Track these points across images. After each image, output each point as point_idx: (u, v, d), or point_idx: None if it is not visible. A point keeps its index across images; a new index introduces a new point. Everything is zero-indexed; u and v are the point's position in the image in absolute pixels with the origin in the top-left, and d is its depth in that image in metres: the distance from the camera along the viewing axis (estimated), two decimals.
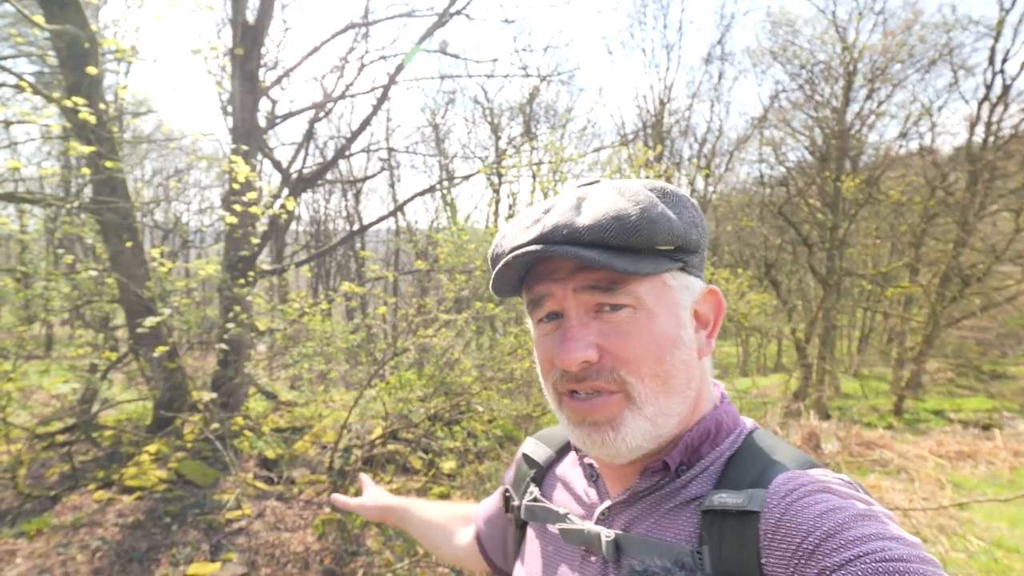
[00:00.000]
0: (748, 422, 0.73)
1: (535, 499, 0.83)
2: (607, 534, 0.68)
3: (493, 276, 0.69)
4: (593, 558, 0.71)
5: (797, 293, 17.06)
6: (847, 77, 14.09)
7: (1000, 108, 12.53)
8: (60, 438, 5.55)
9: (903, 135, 15.14)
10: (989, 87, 12.53)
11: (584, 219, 0.63)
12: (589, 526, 0.72)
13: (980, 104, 12.75)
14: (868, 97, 14.39)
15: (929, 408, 12.50)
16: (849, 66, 14.02)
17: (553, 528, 0.78)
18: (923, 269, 14.10)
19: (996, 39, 12.23)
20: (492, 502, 1.01)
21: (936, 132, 16.93)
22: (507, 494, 0.91)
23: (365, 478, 1.30)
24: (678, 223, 0.65)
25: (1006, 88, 12.42)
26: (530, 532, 0.84)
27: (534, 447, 0.92)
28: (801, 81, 15.40)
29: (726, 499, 0.60)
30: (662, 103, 18.70)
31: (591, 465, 0.79)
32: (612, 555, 0.67)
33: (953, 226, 12.57)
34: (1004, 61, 12.33)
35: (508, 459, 5.63)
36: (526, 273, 0.71)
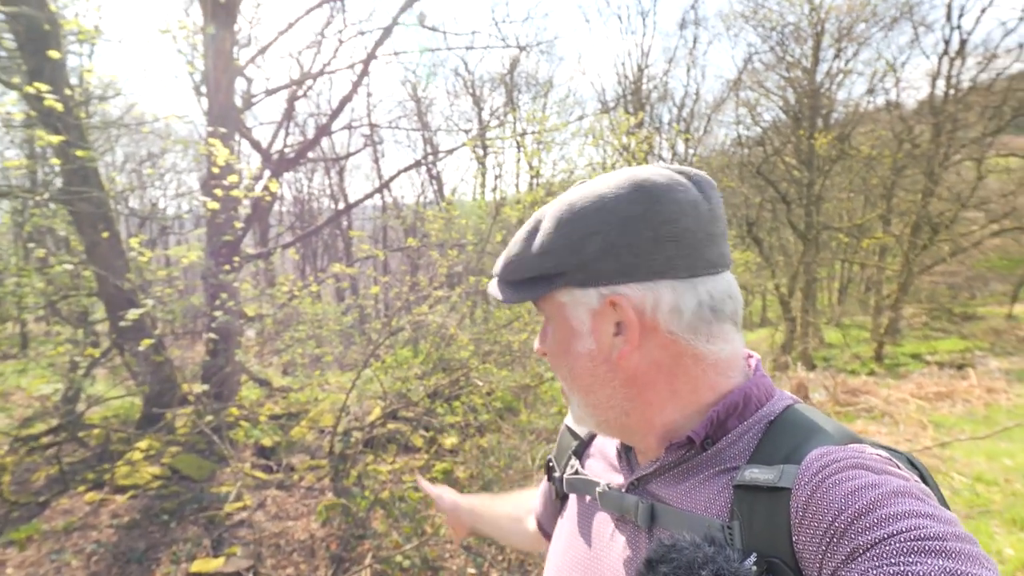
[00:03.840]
0: (786, 395, 0.72)
1: (575, 472, 0.86)
2: (644, 502, 0.70)
3: None
4: (626, 525, 0.72)
5: (778, 249, 17.56)
6: (815, 37, 14.60)
7: (958, 62, 13.24)
8: (44, 440, 5.36)
9: (870, 91, 15.93)
10: (947, 42, 13.23)
11: (500, 259, 0.77)
12: (626, 494, 0.74)
13: (940, 58, 13.46)
14: (836, 56, 15.00)
15: (907, 352, 13.13)
16: (817, 27, 14.53)
17: (590, 498, 0.81)
18: (895, 219, 14.80)
19: None
20: (543, 486, 1.06)
21: (900, 87, 18.17)
22: (550, 464, 0.94)
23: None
24: (543, 251, 0.70)
25: (963, 42, 13.07)
26: (570, 501, 0.87)
27: None
28: (772, 43, 15.86)
29: (758, 474, 0.60)
30: (640, 69, 18.77)
31: None
32: (646, 523, 0.69)
33: (921, 177, 13.28)
34: (960, 16, 13.04)
35: (509, 431, 5.58)
36: None
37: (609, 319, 0.69)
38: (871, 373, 11.05)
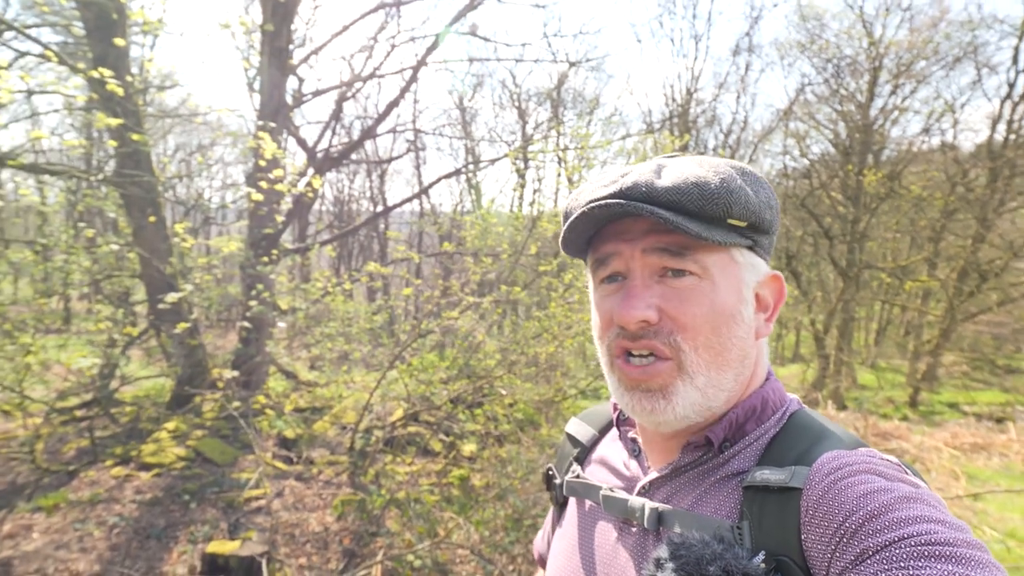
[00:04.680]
0: (794, 400, 0.72)
1: (577, 476, 0.83)
2: (651, 505, 0.68)
3: (565, 229, 0.69)
4: (632, 529, 0.71)
5: (817, 284, 17.28)
6: (873, 72, 14.34)
7: (1022, 106, 12.79)
8: (78, 413, 5.52)
9: (926, 131, 15.47)
10: (1012, 85, 12.80)
11: (664, 181, 0.64)
12: (632, 497, 0.72)
13: (1003, 102, 13.04)
14: (893, 92, 14.63)
15: (944, 400, 12.76)
16: (875, 61, 14.26)
17: (592, 502, 0.78)
18: (941, 263, 14.45)
19: (1020, 38, 12.52)
20: (547, 521, 1.01)
21: (958, 129, 17.28)
22: (550, 472, 0.91)
23: None
24: (754, 200, 0.65)
25: None
26: (569, 507, 0.85)
27: (577, 427, 0.92)
28: (827, 75, 15.63)
29: (768, 475, 0.60)
30: (689, 93, 18.64)
31: (634, 440, 0.79)
32: (653, 525, 0.67)
33: (972, 222, 12.93)
34: None
35: (528, 443, 5.54)
36: (595, 233, 0.71)
37: (760, 293, 0.70)
38: (904, 418, 10.79)
